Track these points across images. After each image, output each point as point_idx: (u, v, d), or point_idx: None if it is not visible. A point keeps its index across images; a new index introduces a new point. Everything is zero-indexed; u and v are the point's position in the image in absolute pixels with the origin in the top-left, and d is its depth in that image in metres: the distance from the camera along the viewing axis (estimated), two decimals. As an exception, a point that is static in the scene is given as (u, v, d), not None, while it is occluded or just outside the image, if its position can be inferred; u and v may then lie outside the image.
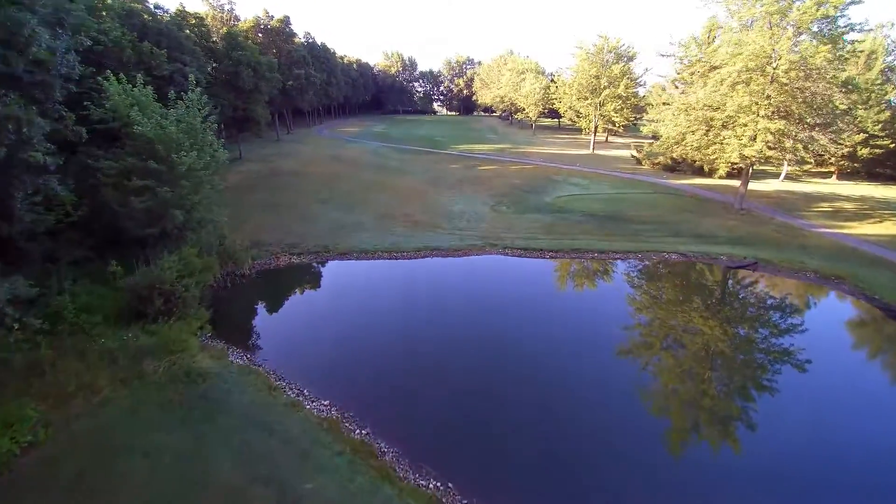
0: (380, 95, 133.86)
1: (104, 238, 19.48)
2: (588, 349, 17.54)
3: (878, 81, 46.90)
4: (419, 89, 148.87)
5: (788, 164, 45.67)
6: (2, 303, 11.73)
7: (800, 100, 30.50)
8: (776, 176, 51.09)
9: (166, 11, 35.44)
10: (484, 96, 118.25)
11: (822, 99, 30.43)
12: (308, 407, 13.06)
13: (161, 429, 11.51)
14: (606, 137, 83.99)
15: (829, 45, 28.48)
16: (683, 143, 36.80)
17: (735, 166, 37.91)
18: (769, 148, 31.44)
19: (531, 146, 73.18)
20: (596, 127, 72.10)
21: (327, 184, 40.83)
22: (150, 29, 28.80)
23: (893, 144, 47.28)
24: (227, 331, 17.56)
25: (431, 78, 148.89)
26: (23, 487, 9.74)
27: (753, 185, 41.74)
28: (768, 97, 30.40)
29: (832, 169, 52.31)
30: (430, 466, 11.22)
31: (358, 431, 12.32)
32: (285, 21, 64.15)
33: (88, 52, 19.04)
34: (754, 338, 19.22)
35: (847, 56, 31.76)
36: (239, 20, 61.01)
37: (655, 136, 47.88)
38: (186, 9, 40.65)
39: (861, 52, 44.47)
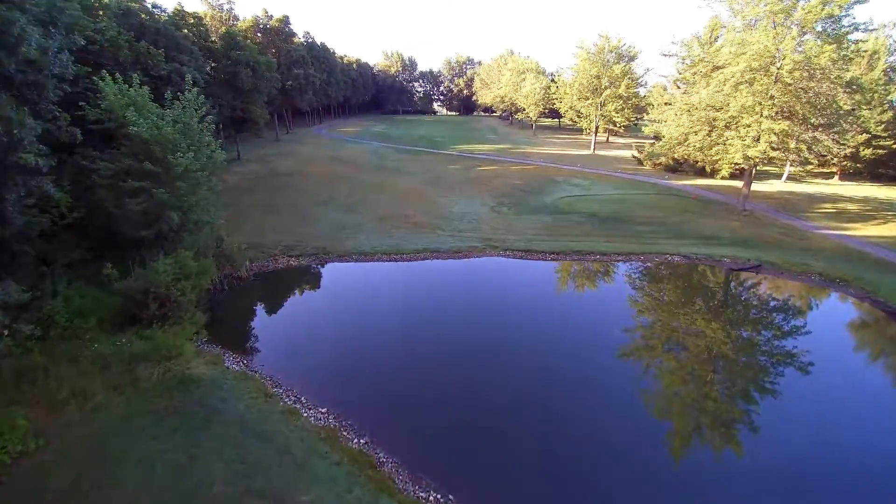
0: (379, 95, 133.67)
1: (100, 240, 19.23)
2: (590, 353, 17.30)
3: (881, 82, 46.64)
4: (419, 89, 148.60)
5: (791, 165, 45.42)
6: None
7: (804, 100, 30.28)
8: (778, 176, 50.85)
9: (164, 11, 35.17)
10: (484, 96, 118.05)
11: (826, 99, 30.21)
12: (305, 415, 12.79)
13: (154, 437, 11.26)
14: (607, 138, 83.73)
15: (834, 45, 28.26)
16: (686, 143, 36.66)
17: (738, 167, 37.63)
18: (773, 149, 31.22)
19: (531, 146, 72.92)
20: (597, 127, 71.83)
21: (326, 184, 40.60)
22: (147, 28, 28.53)
23: (896, 145, 47.01)
24: (223, 335, 17.31)
25: (431, 78, 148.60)
26: (14, 498, 9.51)
27: (756, 186, 41.47)
28: (772, 97, 30.16)
29: (834, 170, 52.04)
30: (431, 478, 10.95)
31: (356, 440, 12.05)
32: (284, 21, 63.99)
33: (84, 52, 18.77)
34: (757, 340, 19.02)
35: (851, 56, 31.51)
36: (238, 20, 60.75)
37: (657, 137, 47.62)
38: (185, 8, 40.38)
39: (864, 52, 44.23)
